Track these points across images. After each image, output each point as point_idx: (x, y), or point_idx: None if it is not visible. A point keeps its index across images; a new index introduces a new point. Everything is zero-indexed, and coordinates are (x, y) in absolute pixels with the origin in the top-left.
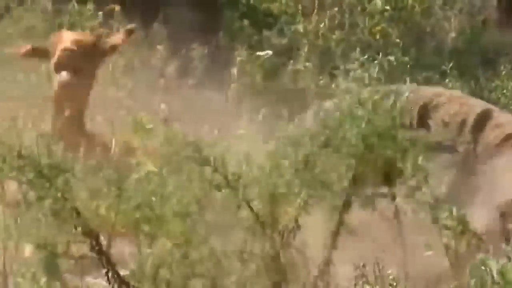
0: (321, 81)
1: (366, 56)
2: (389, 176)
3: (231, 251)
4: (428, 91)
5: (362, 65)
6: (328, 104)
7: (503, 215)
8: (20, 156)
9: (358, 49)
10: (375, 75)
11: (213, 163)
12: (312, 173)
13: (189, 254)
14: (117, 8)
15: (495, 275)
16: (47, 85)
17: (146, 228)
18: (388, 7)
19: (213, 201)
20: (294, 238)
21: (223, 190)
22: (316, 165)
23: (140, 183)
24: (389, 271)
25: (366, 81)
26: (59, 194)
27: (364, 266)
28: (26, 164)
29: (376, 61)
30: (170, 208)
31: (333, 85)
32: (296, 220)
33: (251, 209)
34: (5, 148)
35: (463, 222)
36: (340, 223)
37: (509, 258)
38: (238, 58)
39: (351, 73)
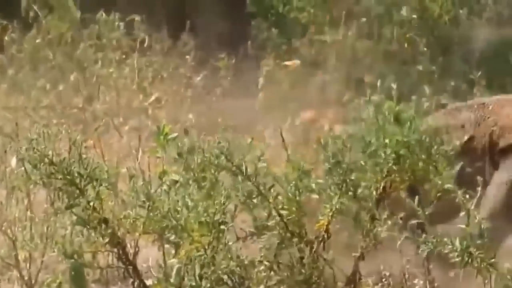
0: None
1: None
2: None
3: (258, 260)
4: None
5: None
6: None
7: None
8: (51, 163)
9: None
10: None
11: (245, 172)
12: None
13: (215, 263)
14: (137, 18)
15: None
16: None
17: (172, 237)
18: (415, 16)
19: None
20: (324, 248)
21: (254, 200)
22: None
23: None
24: (415, 281)
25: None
26: (89, 203)
27: (390, 276)
28: (57, 172)
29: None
30: (196, 217)
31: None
32: (327, 230)
33: (281, 217)
34: (37, 155)
35: None
36: (368, 233)
37: None
38: (265, 68)
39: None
